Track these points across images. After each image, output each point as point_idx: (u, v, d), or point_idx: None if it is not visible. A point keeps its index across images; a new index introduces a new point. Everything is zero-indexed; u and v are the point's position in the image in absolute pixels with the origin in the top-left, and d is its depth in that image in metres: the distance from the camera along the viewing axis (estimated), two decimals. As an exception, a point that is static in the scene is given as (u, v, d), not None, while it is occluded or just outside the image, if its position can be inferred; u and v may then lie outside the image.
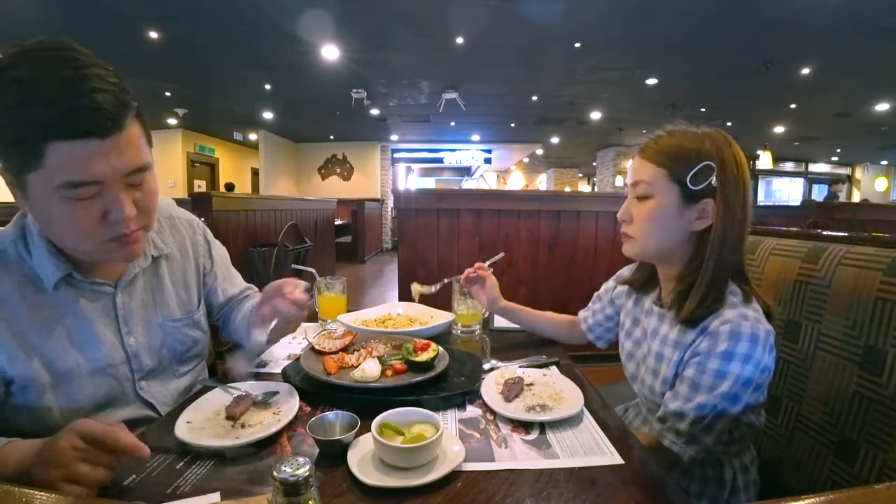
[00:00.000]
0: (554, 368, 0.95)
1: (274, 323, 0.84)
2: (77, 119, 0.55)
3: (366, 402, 0.74)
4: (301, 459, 0.40)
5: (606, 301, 1.06)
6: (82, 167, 0.57)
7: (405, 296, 2.75)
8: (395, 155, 10.87)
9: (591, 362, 1.02)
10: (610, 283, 1.08)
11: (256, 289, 1.09)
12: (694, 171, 0.73)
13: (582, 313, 1.12)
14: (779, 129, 8.51)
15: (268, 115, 7.71)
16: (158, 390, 0.83)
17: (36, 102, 0.54)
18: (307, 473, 0.39)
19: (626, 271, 1.02)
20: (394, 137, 9.96)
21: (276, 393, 0.77)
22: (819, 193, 13.08)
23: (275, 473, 0.39)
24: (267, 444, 0.64)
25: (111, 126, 0.58)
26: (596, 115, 7.52)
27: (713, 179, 0.73)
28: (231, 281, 1.03)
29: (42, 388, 0.68)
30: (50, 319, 0.69)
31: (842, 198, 10.30)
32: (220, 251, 1.01)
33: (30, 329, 0.67)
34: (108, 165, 0.58)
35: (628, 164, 0.84)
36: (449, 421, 0.72)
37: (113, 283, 0.77)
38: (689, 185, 0.74)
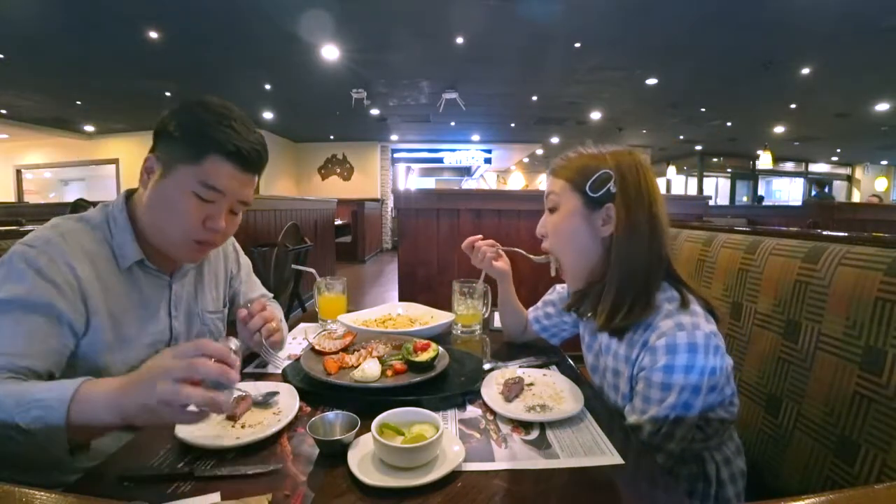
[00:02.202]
0: (554, 368, 0.95)
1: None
2: (244, 153, 0.78)
3: (366, 402, 0.74)
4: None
5: (562, 309, 1.07)
6: (222, 180, 0.78)
7: (405, 296, 2.75)
8: (395, 155, 10.86)
9: (592, 363, 1.02)
10: (562, 290, 1.09)
11: (271, 295, 1.18)
12: (592, 178, 0.80)
13: (533, 313, 1.13)
14: (779, 129, 8.52)
15: (268, 115, 7.71)
16: None
17: (226, 126, 0.77)
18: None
19: (565, 290, 1.05)
20: (394, 137, 9.96)
21: (276, 393, 0.77)
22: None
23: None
24: (267, 445, 0.64)
25: (255, 171, 0.83)
26: (596, 115, 7.52)
27: (612, 186, 0.79)
28: (251, 286, 1.14)
29: (105, 347, 0.76)
30: (123, 292, 0.81)
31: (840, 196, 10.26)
32: (245, 259, 1.14)
33: (109, 295, 0.78)
34: (235, 188, 0.80)
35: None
36: (449, 421, 0.72)
37: (169, 274, 0.89)
38: (588, 192, 0.80)
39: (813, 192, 7.86)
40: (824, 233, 0.91)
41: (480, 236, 1.14)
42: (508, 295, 1.15)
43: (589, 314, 0.85)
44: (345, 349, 0.93)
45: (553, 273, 1.04)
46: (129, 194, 0.87)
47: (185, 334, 0.91)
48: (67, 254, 0.74)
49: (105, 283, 0.78)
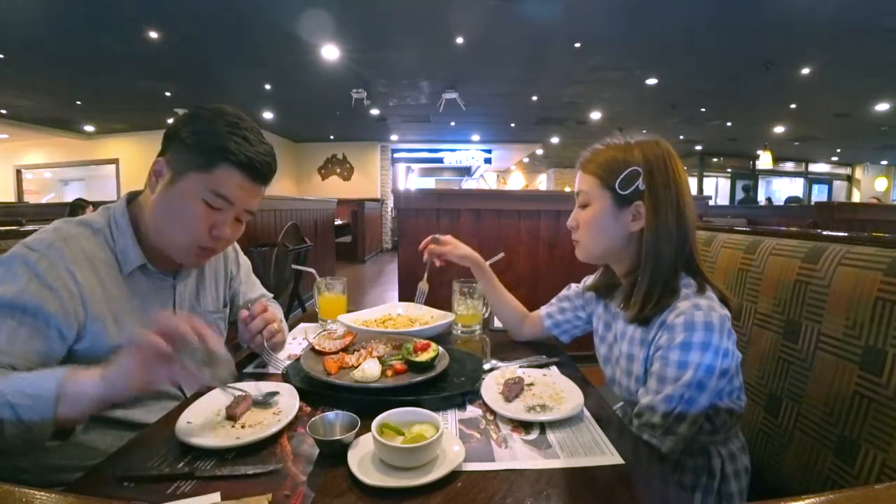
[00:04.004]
0: (554, 368, 0.95)
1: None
2: (255, 164, 0.79)
3: (366, 403, 0.74)
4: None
5: (578, 304, 1.08)
6: (232, 189, 0.79)
7: (405, 296, 2.75)
8: (395, 155, 10.86)
9: (592, 362, 1.02)
10: (578, 287, 1.10)
11: (271, 296, 1.18)
12: (621, 176, 0.80)
13: (546, 310, 1.13)
14: (779, 129, 8.51)
15: (268, 115, 7.71)
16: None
17: (239, 137, 0.78)
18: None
19: (590, 279, 1.05)
20: (394, 137, 9.96)
21: (276, 393, 0.77)
22: (819, 193, 13.07)
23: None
24: (267, 445, 0.64)
25: (264, 182, 0.84)
26: (596, 115, 7.52)
27: (640, 183, 0.79)
28: (251, 286, 1.14)
29: (108, 351, 0.74)
30: (127, 296, 0.81)
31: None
32: (245, 260, 1.14)
33: (111, 300, 0.78)
34: (243, 198, 0.81)
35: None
36: (449, 421, 0.72)
37: (172, 275, 0.90)
38: (618, 190, 0.81)
39: (739, 195, 8.08)
40: (824, 233, 0.91)
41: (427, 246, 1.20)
42: (490, 284, 1.16)
43: (621, 305, 0.87)
44: (345, 349, 0.93)
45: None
46: (132, 197, 0.87)
47: None
48: (69, 259, 0.74)
49: (107, 288, 0.78)
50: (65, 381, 0.60)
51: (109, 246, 0.81)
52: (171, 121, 0.85)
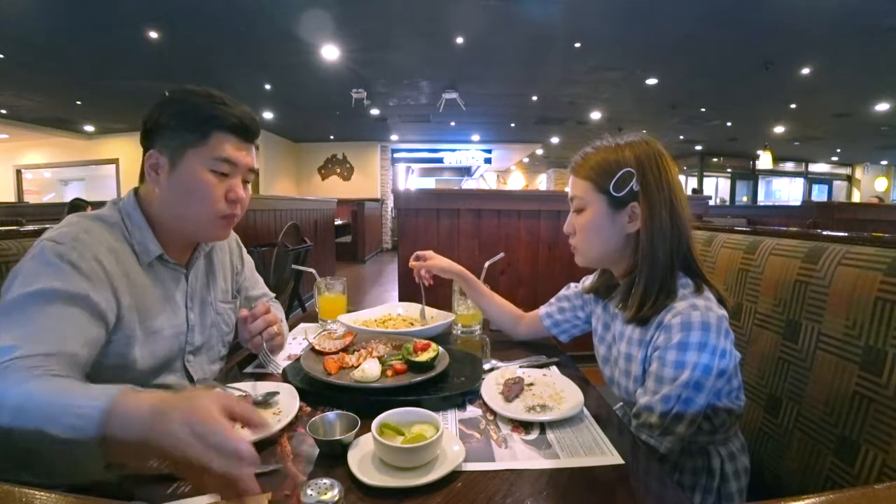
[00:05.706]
0: (554, 368, 0.95)
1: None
2: (245, 123, 0.83)
3: (366, 403, 0.74)
4: (327, 482, 0.39)
5: (578, 304, 1.08)
6: (229, 151, 0.82)
7: (405, 296, 2.75)
8: (395, 155, 10.86)
9: (591, 362, 1.02)
10: (577, 286, 1.10)
11: (273, 296, 1.18)
12: (615, 179, 0.80)
13: (545, 310, 1.12)
14: (779, 129, 8.51)
15: (268, 115, 7.71)
16: (202, 367, 0.93)
17: (220, 104, 0.81)
18: (336, 499, 0.38)
19: (589, 279, 1.05)
20: (394, 137, 9.96)
21: (276, 393, 0.77)
22: (819, 193, 13.07)
23: (301, 498, 0.38)
24: (267, 445, 0.64)
25: (254, 139, 0.87)
26: (596, 115, 7.52)
27: (634, 184, 0.79)
28: (254, 283, 1.14)
29: (135, 341, 0.78)
30: (147, 286, 0.83)
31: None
32: (248, 258, 1.14)
33: (134, 290, 0.80)
34: (242, 157, 0.84)
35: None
36: (449, 421, 0.72)
37: (184, 266, 0.91)
38: (612, 192, 0.81)
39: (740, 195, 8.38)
40: (824, 233, 0.91)
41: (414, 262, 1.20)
42: (477, 291, 1.16)
43: (619, 306, 0.87)
44: (345, 349, 0.93)
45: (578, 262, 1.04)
46: (136, 191, 0.88)
47: (200, 325, 0.93)
48: (95, 249, 0.74)
49: (130, 278, 0.79)
50: (120, 393, 0.51)
51: (126, 238, 0.82)
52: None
